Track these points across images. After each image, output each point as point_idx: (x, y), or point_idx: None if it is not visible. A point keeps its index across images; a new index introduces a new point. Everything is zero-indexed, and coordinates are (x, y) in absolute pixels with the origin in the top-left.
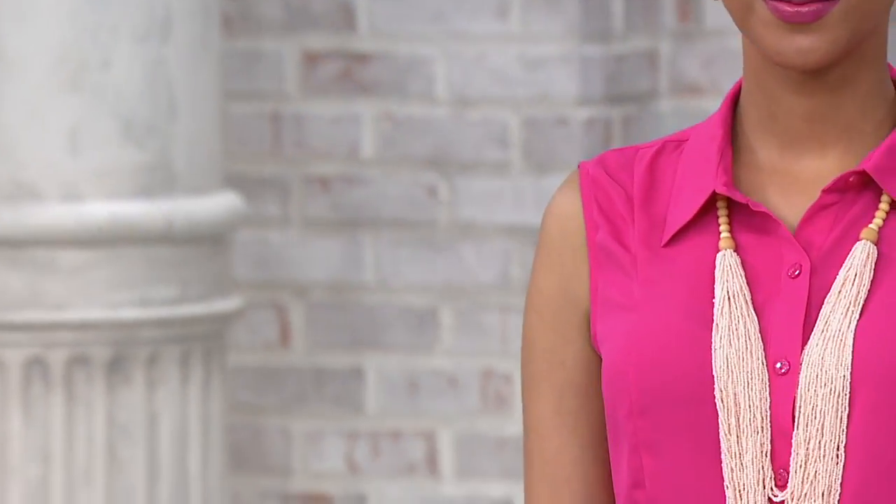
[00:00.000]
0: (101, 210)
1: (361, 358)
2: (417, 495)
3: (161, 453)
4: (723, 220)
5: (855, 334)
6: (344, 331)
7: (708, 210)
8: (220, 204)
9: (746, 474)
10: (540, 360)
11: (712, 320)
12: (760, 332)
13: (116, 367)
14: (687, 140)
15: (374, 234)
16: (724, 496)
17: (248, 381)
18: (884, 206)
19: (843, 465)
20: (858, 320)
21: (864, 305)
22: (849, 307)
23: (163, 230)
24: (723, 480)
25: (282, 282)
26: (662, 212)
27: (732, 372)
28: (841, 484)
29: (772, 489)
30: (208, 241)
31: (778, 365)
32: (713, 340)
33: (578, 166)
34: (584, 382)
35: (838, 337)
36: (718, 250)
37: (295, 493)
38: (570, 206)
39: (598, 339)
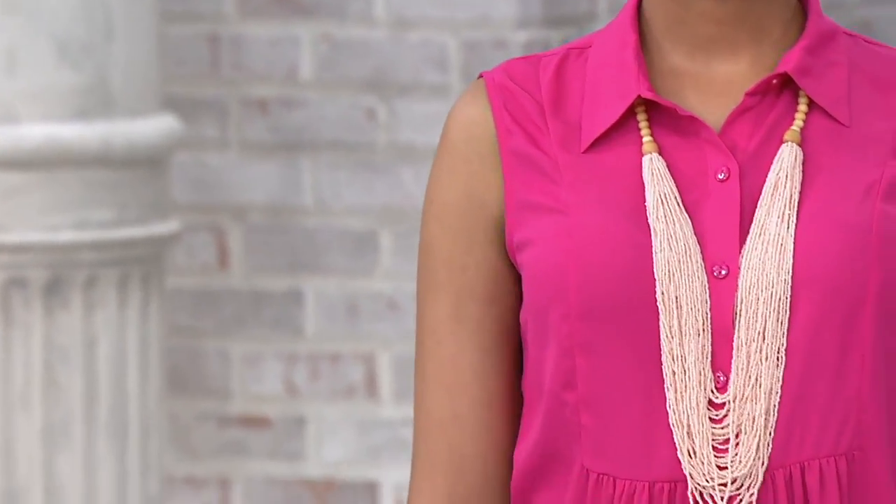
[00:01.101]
0: (37, 132)
1: (300, 281)
2: (356, 418)
3: (99, 376)
4: (644, 124)
5: (794, 239)
6: (282, 254)
7: (627, 116)
8: (157, 126)
9: (689, 377)
10: (440, 267)
11: (647, 224)
12: (696, 235)
13: (54, 290)
14: (590, 47)
15: (312, 157)
16: (664, 398)
17: (186, 304)
18: (803, 107)
19: (784, 368)
20: (796, 223)
21: (798, 207)
22: (783, 211)
23: (100, 152)
24: (662, 383)
25: (220, 204)
26: (576, 118)
27: (674, 275)
28: (782, 386)
29: (713, 391)
30: (146, 163)
31: (716, 269)
32: (653, 244)
33: (481, 75)
34: (486, 289)
35: (777, 241)
36: (642, 155)
37: (233, 415)
38: (477, 114)
39: (517, 244)
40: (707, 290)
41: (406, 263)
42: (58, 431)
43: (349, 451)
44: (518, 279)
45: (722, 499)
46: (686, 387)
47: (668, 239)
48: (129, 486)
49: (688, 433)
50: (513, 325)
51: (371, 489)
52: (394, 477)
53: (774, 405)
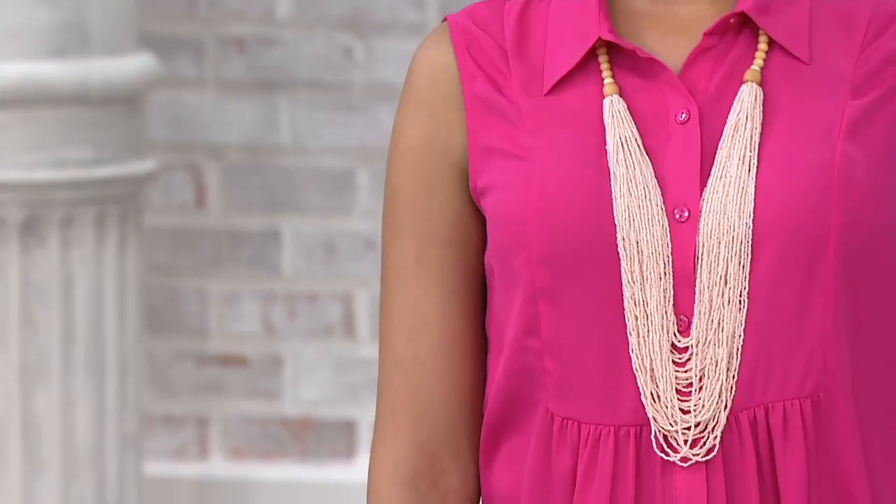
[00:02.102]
0: (13, 70)
1: (277, 220)
2: (334, 357)
3: (76, 315)
4: (605, 66)
5: (756, 182)
6: (260, 193)
7: (588, 58)
8: (134, 65)
9: (651, 321)
10: (404, 210)
11: (607, 168)
12: (656, 178)
13: (31, 228)
14: None
15: (289, 96)
16: (626, 343)
17: (163, 243)
18: (763, 45)
19: (747, 312)
20: (758, 166)
21: (759, 150)
22: (744, 153)
23: (77, 91)
24: (624, 328)
25: (197, 143)
26: (538, 62)
27: (634, 220)
28: (744, 330)
29: (675, 335)
30: (123, 102)
31: (676, 212)
32: (612, 189)
33: (445, 19)
34: (450, 232)
35: (738, 184)
36: (603, 97)
37: (211, 354)
38: (441, 57)
39: (480, 189)
40: (668, 234)
41: (383, 203)
42: (35, 370)
43: (327, 389)
44: (483, 222)
45: (685, 442)
46: (649, 331)
47: (627, 183)
48: (106, 425)
49: (651, 377)
50: (477, 269)
51: (349, 428)
52: (371, 416)
53: (737, 349)
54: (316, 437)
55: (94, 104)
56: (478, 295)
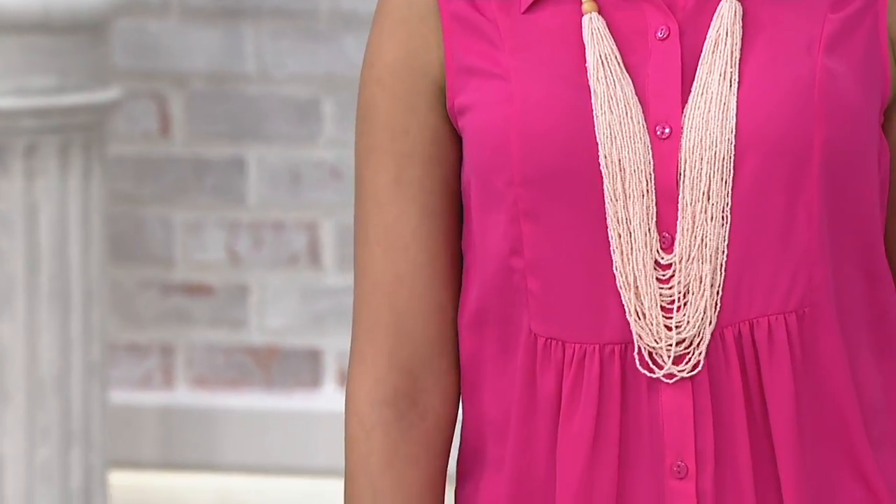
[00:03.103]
0: None
1: (242, 149)
2: (299, 286)
3: (41, 244)
4: None
5: (738, 97)
6: (225, 121)
7: None
8: None
9: (634, 238)
10: (381, 130)
11: (588, 86)
12: (637, 95)
13: None
14: None
15: (255, 24)
16: (610, 261)
17: (127, 172)
18: None
19: (730, 227)
20: (739, 82)
21: (740, 66)
22: (725, 69)
23: (40, 18)
24: (608, 246)
25: (161, 71)
26: None
27: (615, 137)
28: (728, 245)
29: (659, 252)
30: (86, 29)
31: (658, 129)
32: (593, 107)
33: None
34: (428, 152)
35: (720, 100)
36: (582, 14)
37: (176, 283)
38: None
39: (458, 109)
40: (650, 151)
41: (349, 132)
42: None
43: (292, 318)
44: (459, 141)
45: (669, 358)
46: (632, 249)
47: (608, 101)
48: (71, 353)
49: (635, 294)
50: (454, 188)
51: (313, 357)
52: (336, 344)
53: (721, 265)
54: (281, 366)
55: (58, 32)
56: (455, 215)
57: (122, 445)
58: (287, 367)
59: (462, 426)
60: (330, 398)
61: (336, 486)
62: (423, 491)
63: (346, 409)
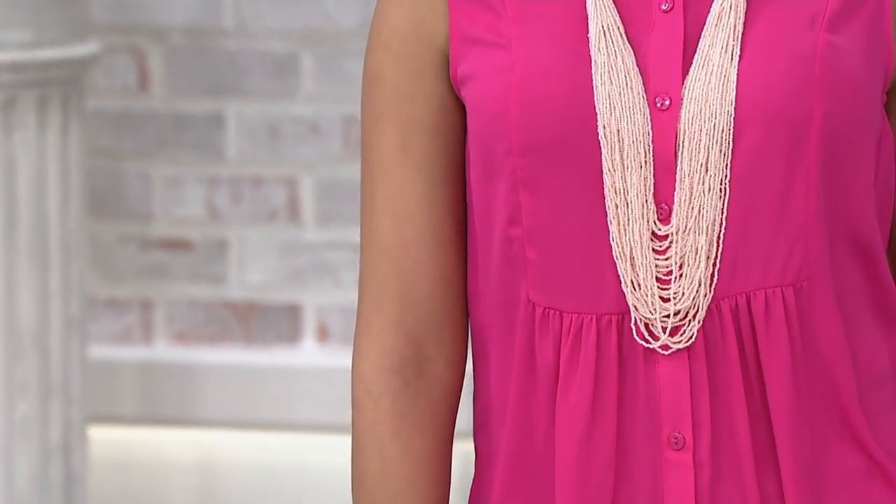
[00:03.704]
0: None
1: (221, 104)
2: (279, 241)
3: (19, 199)
4: None
5: (738, 70)
6: (204, 76)
7: None
8: None
9: (631, 209)
10: (387, 97)
11: (589, 56)
12: (638, 66)
13: None
14: None
15: None
16: (607, 232)
17: (106, 127)
18: None
19: (728, 199)
20: (740, 55)
21: (743, 40)
22: (727, 41)
23: None
24: (605, 216)
25: (140, 26)
26: None
27: (615, 108)
28: (725, 218)
29: (656, 223)
30: None
31: (658, 100)
32: (593, 77)
33: None
34: (433, 120)
35: (720, 72)
36: None
37: (155, 238)
38: None
39: (461, 78)
40: (649, 123)
41: (328, 87)
42: None
43: (271, 274)
44: (463, 111)
45: (664, 330)
46: (629, 219)
47: (608, 71)
48: (50, 308)
49: (631, 265)
50: (458, 158)
51: (293, 312)
52: (316, 300)
53: (718, 236)
54: (260, 322)
55: None
56: (460, 184)
57: (102, 400)
58: (266, 322)
59: (474, 396)
60: (309, 353)
61: (315, 441)
62: (431, 458)
63: (352, 377)
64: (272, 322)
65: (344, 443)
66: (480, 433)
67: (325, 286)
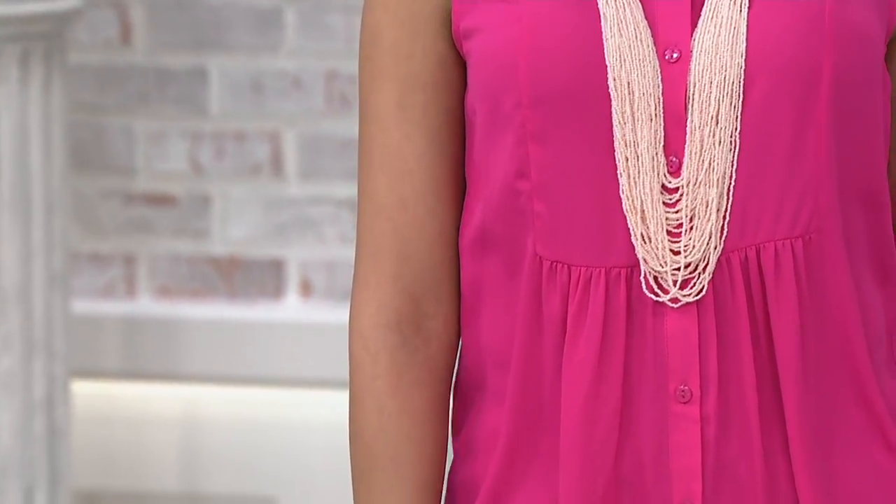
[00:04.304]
0: None
1: (204, 58)
2: (262, 196)
3: (1, 154)
4: None
5: (748, 22)
6: (186, 30)
7: None
8: None
9: (641, 162)
10: (385, 54)
11: (597, 10)
12: (647, 19)
13: None
14: None
15: None
16: (617, 185)
17: (89, 81)
18: None
19: (738, 152)
20: (749, 6)
21: None
22: None
23: None
24: (615, 169)
25: None
26: None
27: (625, 61)
28: (735, 170)
29: (666, 176)
30: None
31: (667, 53)
32: (603, 30)
33: None
34: (432, 76)
35: (730, 24)
36: None
37: (138, 192)
38: None
39: (464, 32)
40: (659, 75)
41: (311, 41)
42: None
43: (254, 229)
44: (463, 66)
45: (674, 283)
46: (639, 172)
47: (618, 24)
48: (33, 263)
49: (641, 218)
50: (457, 114)
51: (277, 267)
52: (299, 255)
53: (728, 189)
54: (244, 276)
55: None
56: (458, 140)
57: (85, 355)
58: (250, 277)
59: (460, 355)
60: (293, 308)
61: (298, 397)
62: (429, 414)
63: (350, 333)
64: (255, 277)
65: (327, 397)
66: (467, 391)
67: (309, 241)
